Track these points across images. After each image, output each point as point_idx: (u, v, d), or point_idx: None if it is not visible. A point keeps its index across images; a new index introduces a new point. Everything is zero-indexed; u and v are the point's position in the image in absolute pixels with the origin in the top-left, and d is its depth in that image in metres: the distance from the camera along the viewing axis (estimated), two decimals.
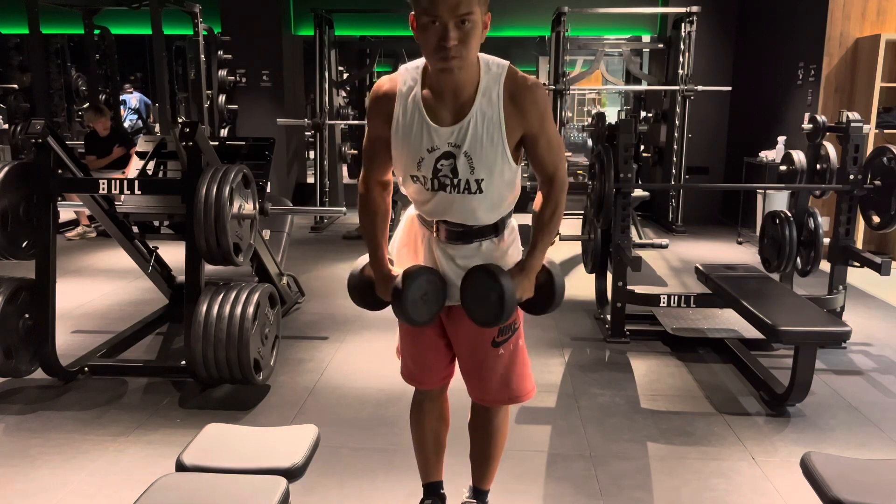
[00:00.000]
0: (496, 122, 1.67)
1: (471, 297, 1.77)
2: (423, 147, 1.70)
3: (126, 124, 10.38)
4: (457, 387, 2.09)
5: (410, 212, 1.94)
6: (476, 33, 1.57)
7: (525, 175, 8.71)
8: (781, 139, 6.33)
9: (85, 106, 9.04)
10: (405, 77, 1.73)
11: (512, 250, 1.90)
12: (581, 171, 9.87)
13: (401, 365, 2.09)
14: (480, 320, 1.78)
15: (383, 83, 1.76)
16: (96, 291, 4.90)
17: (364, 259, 1.94)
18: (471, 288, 1.76)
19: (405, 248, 1.94)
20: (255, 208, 3.30)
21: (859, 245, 5.56)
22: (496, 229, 1.84)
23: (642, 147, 7.83)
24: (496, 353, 1.92)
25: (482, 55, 1.68)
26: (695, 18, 6.98)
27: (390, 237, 1.99)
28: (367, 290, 1.91)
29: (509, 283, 1.73)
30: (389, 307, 1.87)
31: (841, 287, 4.01)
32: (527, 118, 1.69)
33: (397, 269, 1.83)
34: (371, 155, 1.83)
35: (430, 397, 2.09)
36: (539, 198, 1.84)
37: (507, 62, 1.71)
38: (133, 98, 11.56)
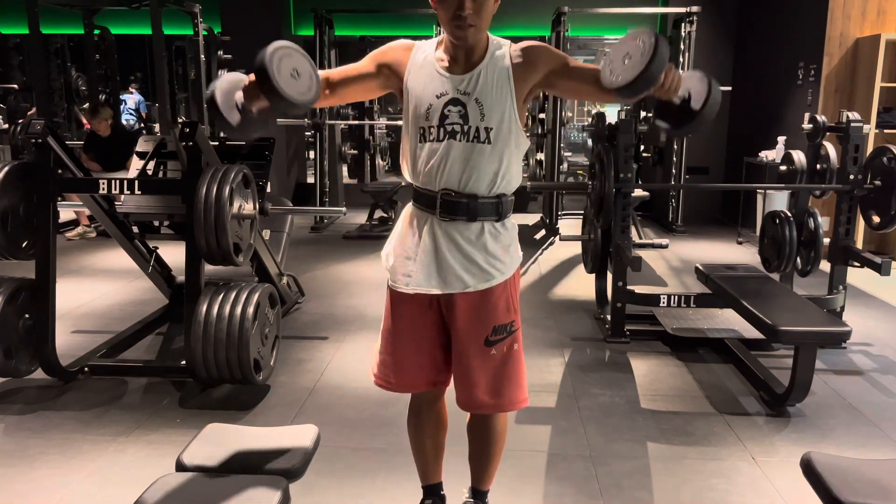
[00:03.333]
0: (505, 75, 1.76)
1: (619, 55, 1.61)
2: (433, 94, 1.76)
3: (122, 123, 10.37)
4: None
5: (409, 206, 1.93)
6: (489, 3, 1.69)
7: (525, 175, 8.72)
8: (781, 139, 6.33)
9: (85, 106, 9.05)
10: (420, 45, 1.84)
11: (513, 249, 1.89)
12: (581, 171, 9.87)
13: (376, 367, 1.99)
14: (632, 74, 1.57)
15: (402, 41, 1.86)
16: (96, 291, 4.90)
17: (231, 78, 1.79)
18: (626, 42, 1.61)
19: (400, 239, 1.90)
20: (255, 208, 3.30)
21: (859, 245, 5.56)
22: (497, 212, 1.83)
23: (642, 147, 7.82)
24: (488, 353, 1.87)
25: (490, 35, 1.79)
26: (695, 18, 6.99)
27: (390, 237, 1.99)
28: (231, 91, 1.74)
29: (665, 46, 1.56)
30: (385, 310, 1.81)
31: (841, 287, 4.01)
32: (541, 63, 1.77)
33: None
34: (345, 69, 1.87)
35: (427, 403, 2.05)
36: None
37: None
38: (132, 98, 11.57)
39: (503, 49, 1.79)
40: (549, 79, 1.79)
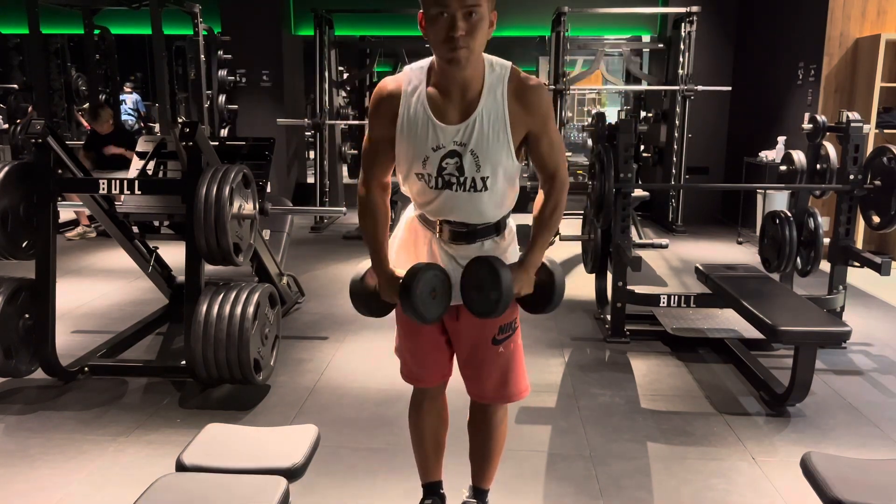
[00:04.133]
0: (501, 120, 1.69)
1: (470, 287, 1.77)
2: (429, 146, 1.71)
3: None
4: (456, 387, 2.09)
5: (409, 213, 1.94)
6: (483, 26, 1.60)
7: (525, 175, 8.72)
8: (781, 139, 6.33)
9: (85, 106, 9.05)
10: (410, 77, 1.74)
11: (510, 250, 1.91)
12: (581, 171, 9.86)
13: (400, 364, 2.09)
14: (479, 311, 1.78)
15: (387, 83, 1.76)
16: (96, 291, 4.90)
17: (365, 265, 1.93)
18: (471, 277, 1.76)
19: (404, 250, 1.94)
20: (255, 208, 3.30)
21: (859, 245, 5.56)
22: (497, 229, 1.86)
23: (642, 147, 7.83)
24: (496, 352, 1.94)
25: (486, 55, 1.70)
26: (695, 18, 6.98)
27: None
28: (371, 297, 1.90)
29: (508, 274, 1.73)
30: (393, 311, 1.86)
31: (841, 287, 4.01)
32: (531, 117, 1.72)
33: (400, 271, 1.82)
34: (372, 156, 1.82)
35: (429, 397, 2.09)
36: (540, 196, 1.86)
37: (509, 63, 1.73)
38: (129, 98, 11.58)
39: (502, 84, 1.69)
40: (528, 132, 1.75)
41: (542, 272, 1.86)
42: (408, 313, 1.77)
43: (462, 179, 1.73)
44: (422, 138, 1.71)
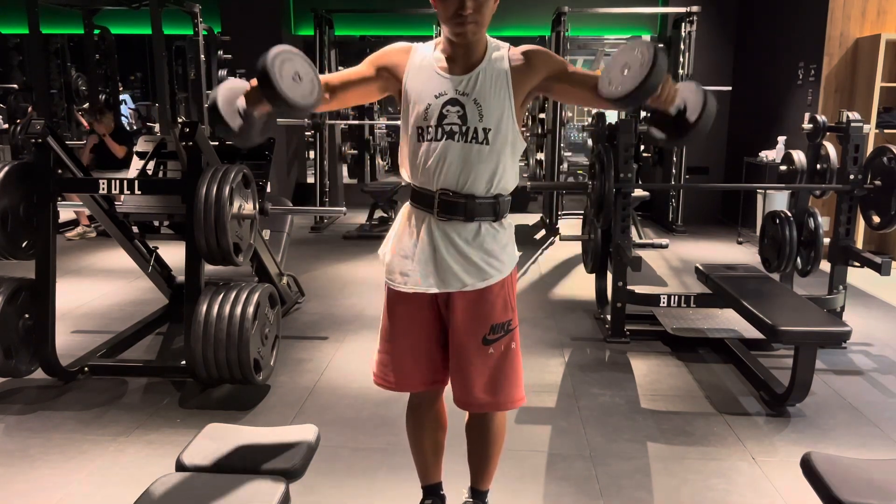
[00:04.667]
0: (504, 77, 1.76)
1: (617, 67, 1.64)
2: (432, 93, 1.76)
3: None
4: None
5: (406, 205, 1.93)
6: (489, 2, 1.69)
7: (525, 175, 8.72)
8: (781, 139, 6.33)
9: (85, 106, 9.05)
10: (418, 46, 1.85)
11: (508, 250, 1.89)
12: (581, 171, 9.87)
13: (375, 366, 1.99)
14: (628, 89, 1.61)
15: (400, 44, 1.86)
16: (96, 291, 4.90)
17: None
18: (625, 53, 1.65)
19: (399, 238, 1.90)
20: (255, 208, 3.30)
21: (859, 245, 5.56)
22: (495, 211, 1.84)
23: (642, 147, 7.82)
24: (485, 352, 1.88)
25: (489, 37, 1.79)
26: (695, 18, 6.99)
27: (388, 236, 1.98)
28: (233, 97, 1.72)
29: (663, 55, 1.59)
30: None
31: (841, 287, 4.01)
32: (544, 66, 1.78)
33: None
34: (344, 74, 1.86)
35: (426, 402, 2.05)
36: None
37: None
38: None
39: (502, 51, 1.79)
40: (547, 83, 1.80)
41: (688, 90, 1.71)
42: (276, 101, 1.62)
43: (465, 129, 1.75)
44: (426, 86, 1.78)
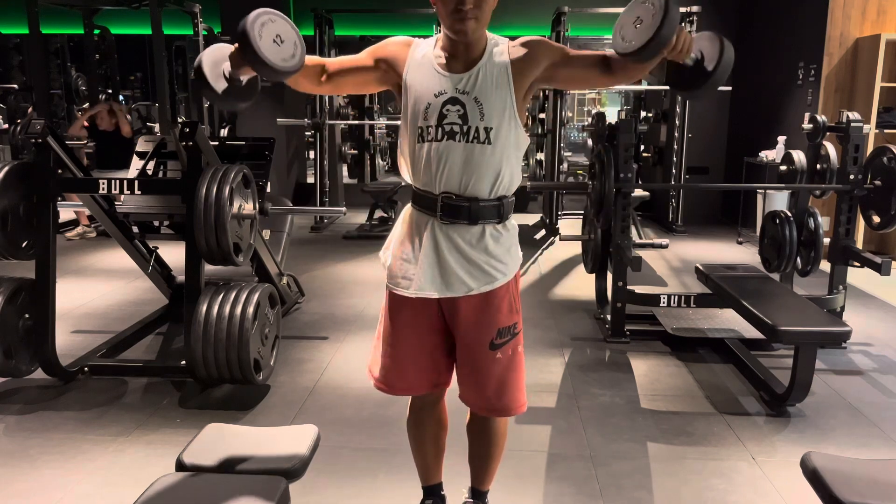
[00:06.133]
0: (504, 71, 1.74)
1: (629, 23, 1.61)
2: (431, 92, 1.75)
3: None
4: (455, 386, 2.08)
5: (408, 207, 1.91)
6: None
7: (525, 175, 8.72)
8: (781, 139, 6.33)
9: (84, 106, 9.05)
10: (419, 42, 1.83)
11: (514, 250, 1.88)
12: (581, 171, 9.87)
13: (377, 371, 1.96)
14: (644, 40, 1.56)
15: (401, 37, 1.85)
16: (96, 291, 4.90)
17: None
18: (635, 7, 1.62)
19: (402, 243, 1.88)
20: (255, 208, 3.30)
21: (859, 245, 5.56)
22: (499, 213, 1.81)
23: (642, 147, 7.83)
24: (493, 357, 1.86)
25: (489, 33, 1.78)
26: (695, 18, 6.98)
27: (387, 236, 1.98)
28: (218, 61, 1.73)
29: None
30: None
31: (841, 287, 4.01)
32: (544, 56, 1.76)
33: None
34: (342, 59, 1.86)
35: (427, 404, 2.04)
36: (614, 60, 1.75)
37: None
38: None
39: (501, 46, 1.77)
40: (549, 71, 1.77)
41: (703, 39, 1.66)
42: (259, 66, 1.63)
43: (465, 129, 1.73)
44: (426, 85, 1.76)
